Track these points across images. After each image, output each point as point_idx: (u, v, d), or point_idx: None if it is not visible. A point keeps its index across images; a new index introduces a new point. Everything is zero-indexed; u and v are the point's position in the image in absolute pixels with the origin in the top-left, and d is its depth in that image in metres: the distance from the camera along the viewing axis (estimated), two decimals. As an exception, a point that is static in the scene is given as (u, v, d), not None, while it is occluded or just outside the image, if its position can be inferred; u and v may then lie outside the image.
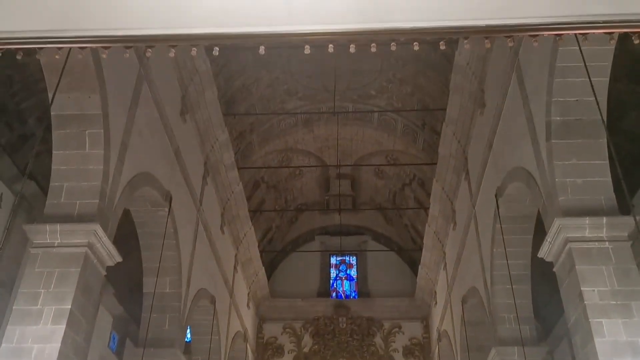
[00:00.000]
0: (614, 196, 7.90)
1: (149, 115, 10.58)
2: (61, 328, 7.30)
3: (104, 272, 8.53)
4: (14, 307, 7.56)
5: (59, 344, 7.20)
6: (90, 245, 8.00)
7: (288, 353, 20.28)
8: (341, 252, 22.46)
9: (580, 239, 7.65)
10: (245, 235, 17.60)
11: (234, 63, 14.64)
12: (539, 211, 9.62)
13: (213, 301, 14.53)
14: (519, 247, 11.07)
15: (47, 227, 7.95)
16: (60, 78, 6.62)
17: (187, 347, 14.19)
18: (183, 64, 12.00)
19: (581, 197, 7.91)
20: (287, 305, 20.95)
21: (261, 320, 20.83)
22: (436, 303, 18.75)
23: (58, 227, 7.94)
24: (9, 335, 7.30)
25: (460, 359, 14.93)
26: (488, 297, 11.96)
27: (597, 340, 6.99)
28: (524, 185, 9.56)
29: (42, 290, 7.55)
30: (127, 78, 9.66)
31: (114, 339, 16.69)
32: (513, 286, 10.55)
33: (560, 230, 7.72)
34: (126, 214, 10.82)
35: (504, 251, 10.59)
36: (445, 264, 16.69)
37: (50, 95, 7.99)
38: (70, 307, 7.48)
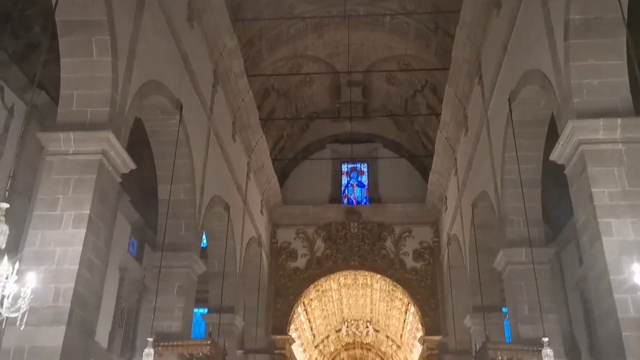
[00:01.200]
0: (630, 97, 7.77)
1: (156, 22, 10.34)
2: (81, 232, 7.53)
3: (119, 179, 8.68)
4: (34, 213, 7.77)
5: (81, 247, 7.46)
6: (104, 153, 8.09)
7: (301, 257, 20.90)
8: (352, 160, 22.58)
9: (593, 140, 7.62)
10: (256, 143, 17.68)
11: (240, -35, 14.11)
12: (552, 114, 9.52)
13: (227, 208, 14.84)
14: (531, 151, 11.06)
15: (61, 135, 8.01)
16: (62, -19, 6.41)
17: (204, 252, 14.65)
18: (187, -34, 11.59)
19: (596, 99, 7.78)
20: (300, 211, 21.37)
21: (274, 226, 21.33)
22: (446, 208, 19.04)
23: (71, 135, 8.01)
24: (31, 239, 7.56)
25: (469, 261, 15.35)
26: (498, 201, 12.10)
27: (605, 240, 7.12)
28: (539, 88, 9.39)
29: (61, 197, 7.73)
30: (131, -19, 9.35)
31: (133, 244, 17.28)
32: (523, 190, 10.64)
33: (573, 133, 7.67)
34: (137, 122, 10.84)
35: (516, 155, 10.59)
36: (456, 169, 16.77)
37: (53, 1, 7.80)
38: (88, 212, 7.68)
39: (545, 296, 10.53)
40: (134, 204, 16.63)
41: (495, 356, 10.48)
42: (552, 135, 9.68)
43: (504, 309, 14.53)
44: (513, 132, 10.62)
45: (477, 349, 11.72)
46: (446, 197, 19.05)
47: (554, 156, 8.35)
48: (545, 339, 8.62)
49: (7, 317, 5.14)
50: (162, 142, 11.64)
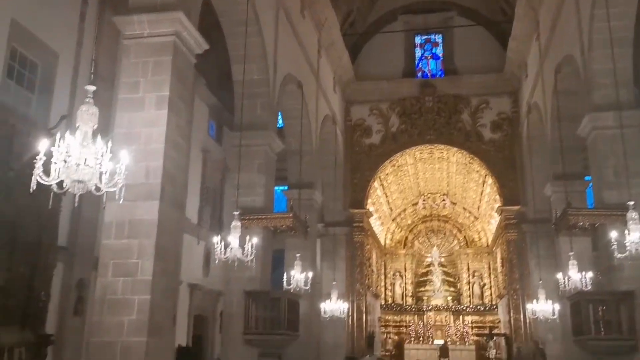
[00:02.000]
0: None
1: None
2: (164, 113, 7.80)
3: (193, 60, 8.77)
4: (119, 96, 8.08)
5: (165, 127, 7.76)
6: (177, 34, 8.14)
7: (376, 133, 20.91)
8: (426, 31, 21.68)
9: (698, -13, 6.89)
10: (326, 18, 17.22)
11: None
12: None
13: (300, 86, 14.84)
14: (623, 7, 10.21)
15: (135, 17, 8.09)
16: None
17: (280, 132, 14.92)
18: None
19: None
20: (373, 87, 21.07)
21: (348, 104, 21.25)
22: (527, 76, 18.20)
23: (145, 17, 8.07)
24: (119, 122, 7.93)
25: (550, 129, 14.83)
26: (584, 64, 11.41)
27: None
28: None
29: (141, 79, 7.95)
30: None
31: (212, 127, 17.82)
32: (613, 50, 9.95)
33: (674, -21, 6.95)
34: (207, 5, 10.73)
35: (606, 12, 9.80)
36: (538, 33, 15.80)
37: None
38: (168, 93, 7.88)
39: (633, 160, 10.14)
40: (210, 87, 16.92)
41: (577, 222, 10.40)
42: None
43: (586, 177, 14.19)
44: (603, -15, 9.77)
45: (558, 216, 11.64)
46: (527, 64, 18.14)
47: (650, 8, 7.66)
48: (631, 203, 8.40)
49: (106, 192, 5.52)
50: (232, 21, 11.57)
